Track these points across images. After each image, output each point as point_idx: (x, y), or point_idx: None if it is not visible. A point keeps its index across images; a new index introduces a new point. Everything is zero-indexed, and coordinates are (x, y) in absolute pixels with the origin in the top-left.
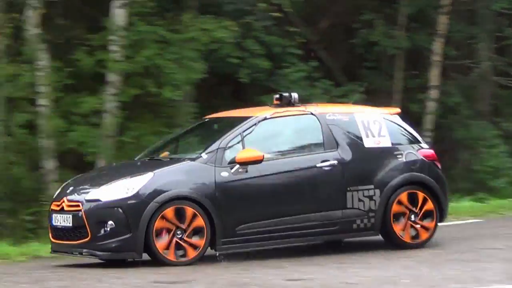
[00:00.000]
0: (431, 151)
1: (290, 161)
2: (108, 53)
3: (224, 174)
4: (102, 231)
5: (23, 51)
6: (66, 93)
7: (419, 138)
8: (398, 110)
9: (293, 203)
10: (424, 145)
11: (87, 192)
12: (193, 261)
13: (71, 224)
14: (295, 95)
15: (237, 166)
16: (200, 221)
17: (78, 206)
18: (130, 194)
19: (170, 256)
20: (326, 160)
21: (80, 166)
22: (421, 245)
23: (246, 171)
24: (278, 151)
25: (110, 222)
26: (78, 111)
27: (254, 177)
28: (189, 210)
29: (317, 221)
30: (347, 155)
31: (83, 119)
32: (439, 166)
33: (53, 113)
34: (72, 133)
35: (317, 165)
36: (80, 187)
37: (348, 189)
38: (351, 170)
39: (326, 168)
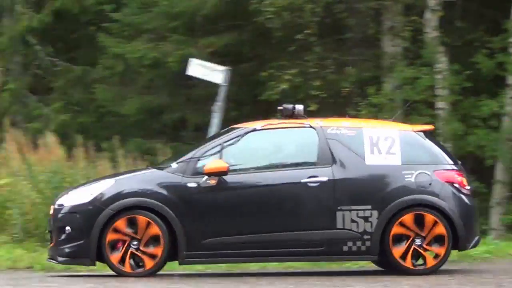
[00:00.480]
0: (452, 173)
1: (270, 175)
2: (509, 56)
3: (192, 184)
4: (63, 236)
5: (422, 54)
6: (465, 96)
7: (447, 159)
8: (429, 127)
9: (270, 220)
10: (448, 166)
11: (60, 197)
12: (151, 272)
13: (47, 229)
14: (299, 107)
15: (206, 177)
16: (155, 229)
17: (52, 211)
18: (87, 200)
19: (126, 268)
20: (314, 176)
21: (479, 170)
22: (427, 272)
23: (220, 183)
24: (261, 164)
25: (67, 228)
26: (477, 114)
27: (224, 189)
28: (142, 219)
29: (299, 241)
30: (343, 172)
31: (483, 122)
32: (464, 190)
33: (452, 116)
34: (470, 136)
35: (302, 180)
36: (65, 192)
37: (339, 208)
38: (345, 188)
39: (312, 185)
